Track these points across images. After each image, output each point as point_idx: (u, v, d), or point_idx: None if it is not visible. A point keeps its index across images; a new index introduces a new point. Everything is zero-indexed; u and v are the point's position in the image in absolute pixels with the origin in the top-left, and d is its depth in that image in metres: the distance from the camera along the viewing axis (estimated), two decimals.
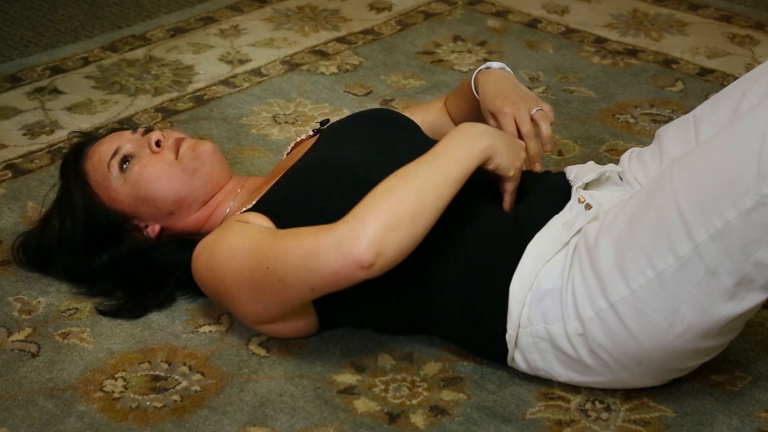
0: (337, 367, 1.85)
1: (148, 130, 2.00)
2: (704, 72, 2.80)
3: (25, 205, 2.25)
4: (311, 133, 2.09)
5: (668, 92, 2.71)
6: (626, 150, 2.00)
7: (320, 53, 2.88)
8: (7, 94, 2.67)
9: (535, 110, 1.90)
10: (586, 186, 1.86)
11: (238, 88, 2.70)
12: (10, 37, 2.98)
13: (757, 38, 2.98)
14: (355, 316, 1.89)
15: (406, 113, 2.13)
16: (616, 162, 2.09)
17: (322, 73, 2.78)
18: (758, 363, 1.87)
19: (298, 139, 2.11)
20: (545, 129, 1.89)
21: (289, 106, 2.64)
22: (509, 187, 1.82)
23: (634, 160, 1.95)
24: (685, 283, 1.64)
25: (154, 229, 1.97)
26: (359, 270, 1.67)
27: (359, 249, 1.66)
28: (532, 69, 2.81)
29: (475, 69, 2.02)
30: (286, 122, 2.57)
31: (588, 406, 1.78)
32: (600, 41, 2.97)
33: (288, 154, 2.11)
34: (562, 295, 1.73)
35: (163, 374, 1.83)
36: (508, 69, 2.01)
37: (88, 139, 2.04)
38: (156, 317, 1.95)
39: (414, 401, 1.79)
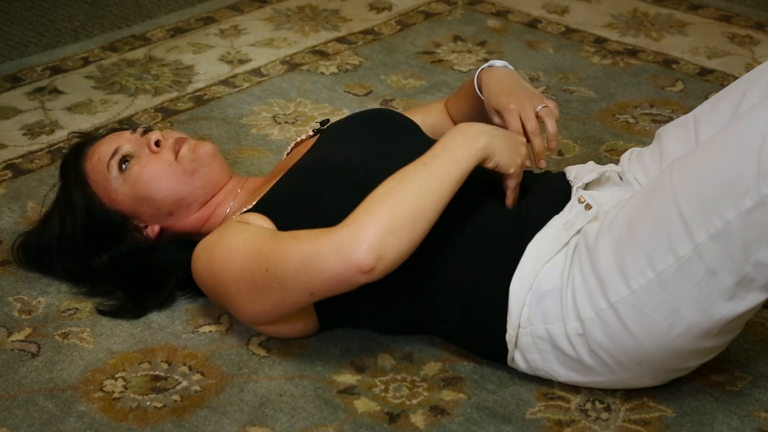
0: (337, 367, 1.85)
1: (148, 130, 2.00)
2: (704, 72, 2.80)
3: (25, 205, 2.25)
4: (311, 133, 2.09)
5: (668, 92, 2.71)
6: (626, 150, 2.00)
7: (320, 53, 2.88)
8: (7, 94, 2.67)
9: (540, 107, 1.90)
10: (586, 186, 1.86)
11: (238, 88, 2.70)
12: (10, 37, 2.98)
13: (757, 38, 2.98)
14: (355, 317, 1.89)
15: (407, 114, 2.13)
16: (616, 162, 2.09)
17: (322, 73, 2.78)
18: (758, 363, 1.87)
19: (298, 139, 2.11)
20: (551, 126, 1.89)
21: (289, 106, 2.64)
22: (511, 184, 1.82)
23: (634, 160, 1.95)
24: (685, 283, 1.64)
25: (153, 230, 1.97)
26: (359, 274, 1.67)
27: (359, 253, 1.66)
28: (532, 69, 2.81)
29: (476, 68, 2.02)
30: (286, 122, 2.57)
31: (588, 406, 1.78)
32: (600, 41, 2.97)
33: (288, 154, 2.11)
34: (562, 295, 1.73)
35: (163, 374, 1.83)
36: (510, 67, 2.01)
37: (87, 140, 2.04)
38: (156, 317, 1.95)
39: (414, 401, 1.79)
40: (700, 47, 2.93)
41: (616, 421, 1.76)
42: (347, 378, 1.83)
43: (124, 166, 1.95)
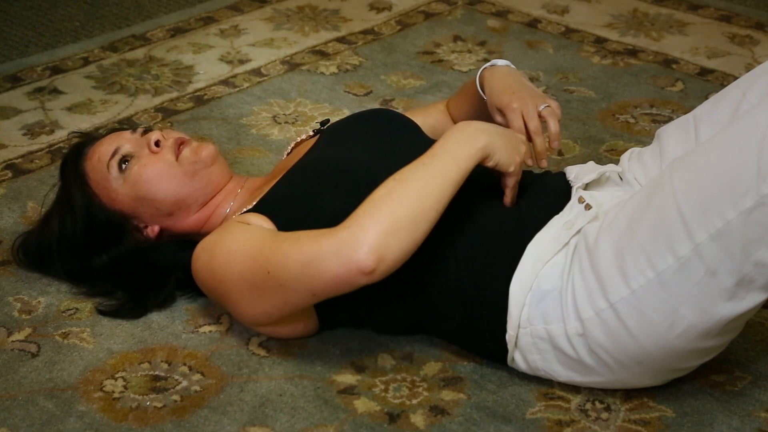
0: (337, 367, 1.85)
1: (148, 130, 2.00)
2: (704, 72, 2.80)
3: (25, 205, 2.25)
4: (311, 133, 2.09)
5: (668, 92, 2.71)
6: (626, 150, 2.00)
7: (320, 53, 2.88)
8: (7, 94, 2.67)
9: (542, 107, 1.90)
10: (586, 186, 1.86)
11: (238, 88, 2.70)
12: (10, 37, 2.98)
13: (757, 38, 2.98)
14: (355, 317, 1.89)
15: (407, 115, 2.13)
16: (616, 162, 2.09)
17: (322, 73, 2.78)
18: (758, 363, 1.87)
19: (298, 139, 2.11)
20: (553, 126, 1.89)
21: (289, 106, 2.64)
22: (510, 183, 1.82)
23: (634, 160, 1.94)
24: (685, 283, 1.64)
25: (153, 230, 1.97)
26: (361, 275, 1.67)
27: (360, 255, 1.66)
28: (532, 69, 2.81)
29: (476, 68, 2.02)
30: (286, 122, 2.57)
31: (588, 406, 1.78)
32: (600, 41, 2.97)
33: (288, 154, 2.11)
34: (562, 295, 1.73)
35: (163, 374, 1.83)
36: (512, 66, 2.01)
37: (87, 140, 2.04)
38: (156, 317, 1.95)
39: (414, 401, 1.79)
40: (700, 47, 2.93)
41: (616, 421, 1.76)
42: (347, 378, 1.83)
43: (124, 166, 1.95)
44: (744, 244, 1.61)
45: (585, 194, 1.82)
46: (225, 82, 2.73)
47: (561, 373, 1.78)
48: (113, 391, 1.79)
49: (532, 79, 2.75)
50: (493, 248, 1.79)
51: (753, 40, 2.97)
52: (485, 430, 1.73)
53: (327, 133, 2.04)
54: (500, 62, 2.00)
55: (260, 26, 3.03)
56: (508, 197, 1.83)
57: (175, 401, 1.78)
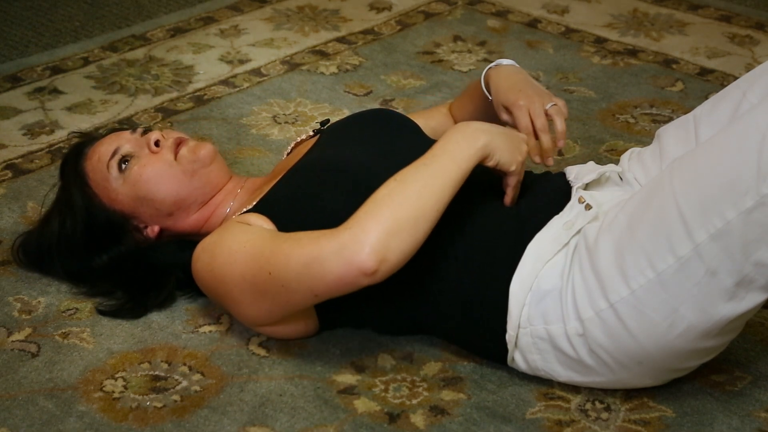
0: (337, 367, 1.85)
1: (148, 130, 2.00)
2: (704, 72, 2.80)
3: (25, 205, 2.25)
4: (311, 133, 2.09)
5: (668, 92, 2.71)
6: (626, 150, 2.00)
7: (320, 53, 2.88)
8: (7, 94, 2.67)
9: (549, 105, 1.90)
10: (587, 186, 1.86)
11: (238, 88, 2.70)
12: (10, 37, 2.98)
13: (757, 38, 2.98)
14: (355, 317, 1.89)
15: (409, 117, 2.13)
16: (616, 162, 2.09)
17: (322, 73, 2.78)
18: (758, 363, 1.87)
19: (299, 139, 2.11)
20: (560, 124, 1.89)
21: (289, 106, 2.64)
22: (511, 182, 1.82)
23: (634, 160, 1.94)
24: (685, 283, 1.64)
25: (153, 230, 1.97)
26: (362, 276, 1.67)
27: (362, 256, 1.66)
28: (532, 69, 2.81)
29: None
30: (286, 122, 2.57)
31: (588, 406, 1.78)
32: (600, 41, 2.97)
33: (288, 154, 2.11)
34: (562, 295, 1.73)
35: (163, 374, 1.83)
36: (517, 66, 2.01)
37: (87, 140, 2.04)
38: (156, 317, 1.95)
39: (414, 401, 1.79)
40: (700, 47, 2.93)
41: (616, 421, 1.76)
42: (347, 378, 1.83)
43: (123, 166, 1.95)
44: (744, 244, 1.61)
45: (585, 194, 1.82)
46: (225, 82, 2.73)
47: (561, 373, 1.78)
48: (113, 391, 1.79)
49: None
50: (493, 248, 1.79)
51: (753, 40, 2.97)
52: (485, 430, 1.73)
53: (327, 133, 2.04)
54: (505, 61, 2.00)
55: (260, 26, 3.03)
56: (509, 197, 1.83)
57: (175, 401, 1.78)
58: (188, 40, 2.94)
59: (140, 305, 1.95)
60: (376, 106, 2.63)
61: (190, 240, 1.96)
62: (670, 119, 2.52)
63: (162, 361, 1.86)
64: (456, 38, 2.97)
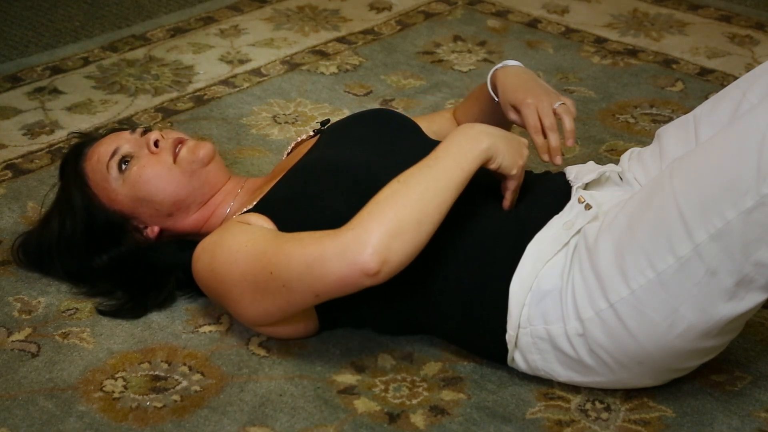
0: (337, 367, 1.85)
1: (147, 130, 2.00)
2: (704, 72, 2.80)
3: (25, 205, 2.25)
4: (311, 133, 2.09)
5: (668, 92, 2.71)
6: (626, 150, 2.00)
7: (320, 53, 2.88)
8: (7, 94, 2.67)
9: (557, 104, 1.89)
10: (586, 186, 1.86)
11: (238, 88, 2.70)
12: (10, 37, 2.98)
13: (757, 38, 2.98)
14: (356, 317, 1.89)
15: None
16: (616, 162, 2.09)
17: (322, 73, 2.78)
18: (758, 363, 1.87)
19: (299, 139, 2.11)
20: (568, 123, 1.89)
21: (289, 106, 2.64)
22: (511, 186, 1.82)
23: (634, 160, 1.94)
24: (685, 283, 1.64)
25: (153, 230, 1.97)
26: (365, 277, 1.67)
27: (364, 257, 1.66)
28: (532, 69, 2.79)
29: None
30: (286, 122, 2.57)
31: (588, 406, 1.78)
32: (600, 41, 2.97)
33: (288, 154, 2.11)
34: (562, 295, 1.73)
35: (163, 374, 1.83)
36: (524, 66, 2.01)
37: (87, 140, 2.04)
38: (156, 317, 1.95)
39: (414, 401, 1.79)
40: (700, 47, 2.93)
41: (616, 421, 1.76)
42: (347, 378, 1.83)
43: (123, 166, 1.95)
44: (744, 244, 1.61)
45: (585, 194, 1.82)
46: (225, 82, 2.73)
47: (561, 373, 1.78)
48: (113, 391, 1.79)
49: None
50: (493, 248, 1.79)
51: (753, 40, 2.97)
52: (485, 430, 1.73)
53: (327, 133, 2.04)
54: (511, 62, 2.00)
55: (260, 26, 3.03)
56: (508, 200, 1.83)
57: (175, 401, 1.78)
58: (188, 40, 2.94)
59: (140, 305, 1.95)
60: (376, 106, 2.63)
61: (190, 240, 1.96)
62: (670, 119, 2.52)
63: (162, 361, 1.86)
64: (456, 38, 2.97)
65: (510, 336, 1.77)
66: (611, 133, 2.54)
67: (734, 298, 1.64)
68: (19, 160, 2.40)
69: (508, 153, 1.78)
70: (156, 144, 1.96)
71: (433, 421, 1.75)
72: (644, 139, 2.50)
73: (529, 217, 1.82)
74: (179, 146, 1.96)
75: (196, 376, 1.83)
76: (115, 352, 1.88)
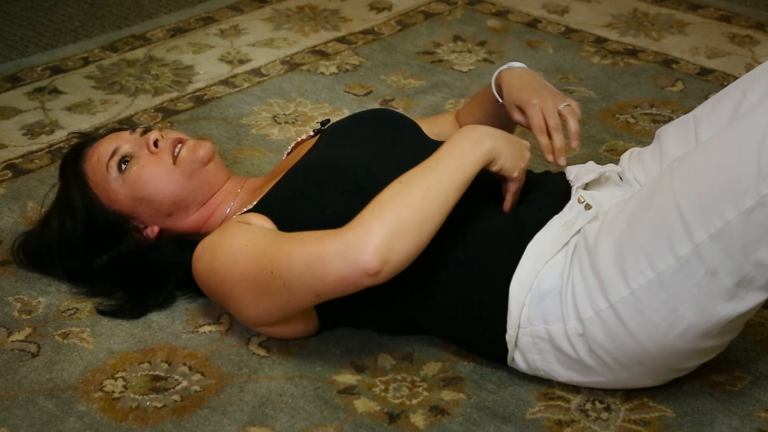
0: (337, 367, 1.85)
1: (147, 130, 2.00)
2: (704, 72, 2.80)
3: (25, 205, 2.25)
4: (311, 133, 2.09)
5: (668, 92, 2.71)
6: (626, 150, 2.00)
7: (320, 53, 2.88)
8: (7, 94, 2.67)
9: (563, 105, 1.90)
10: (586, 186, 1.86)
11: (238, 88, 2.70)
12: (10, 37, 2.98)
13: (757, 38, 2.98)
14: (356, 317, 1.89)
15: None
16: (616, 162, 2.09)
17: (322, 73, 2.78)
18: (758, 363, 1.87)
19: (299, 139, 2.11)
20: (573, 124, 1.89)
21: (289, 106, 2.64)
22: (512, 188, 1.82)
23: (634, 160, 1.95)
24: (685, 283, 1.64)
25: (153, 230, 1.97)
26: (365, 277, 1.67)
27: (365, 257, 1.66)
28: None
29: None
30: (286, 122, 2.57)
31: (588, 406, 1.78)
32: (600, 41, 2.97)
33: (288, 154, 2.11)
34: (562, 295, 1.73)
35: (163, 374, 1.83)
36: (528, 68, 2.01)
37: (87, 140, 2.04)
38: (156, 317, 1.95)
39: (414, 401, 1.79)
40: (700, 47, 2.93)
41: (616, 421, 1.76)
42: (347, 378, 1.83)
43: (123, 166, 1.95)
44: (744, 244, 1.61)
45: (585, 194, 1.82)
46: (225, 82, 2.73)
47: (561, 373, 1.78)
48: (113, 391, 1.79)
49: None
50: (493, 248, 1.79)
51: (753, 40, 2.97)
52: (485, 430, 1.73)
53: (327, 133, 2.04)
54: (516, 64, 2.00)
55: (260, 26, 3.03)
56: (508, 203, 1.83)
57: (175, 401, 1.78)
58: (188, 40, 2.94)
59: (140, 305, 1.95)
60: (376, 106, 2.63)
61: (190, 240, 1.96)
62: (670, 119, 2.52)
63: (162, 361, 1.86)
64: (456, 38, 2.97)
65: (510, 336, 1.77)
66: (611, 133, 2.54)
67: (734, 298, 1.64)
68: (19, 160, 2.40)
69: (511, 155, 1.78)
70: (156, 144, 1.96)
71: (433, 421, 1.75)
72: (644, 139, 2.49)
73: (529, 217, 1.82)
74: (179, 146, 1.96)
75: (196, 376, 1.83)
76: (115, 352, 1.88)
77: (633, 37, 2.98)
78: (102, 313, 1.95)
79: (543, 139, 1.87)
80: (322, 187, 1.84)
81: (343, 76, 2.77)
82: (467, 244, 1.80)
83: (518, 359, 1.80)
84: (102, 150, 1.97)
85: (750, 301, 1.65)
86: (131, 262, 1.95)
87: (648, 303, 1.66)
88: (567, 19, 3.09)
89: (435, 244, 1.76)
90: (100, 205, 1.96)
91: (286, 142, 2.46)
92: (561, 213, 1.81)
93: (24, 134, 2.50)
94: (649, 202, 1.69)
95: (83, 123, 2.54)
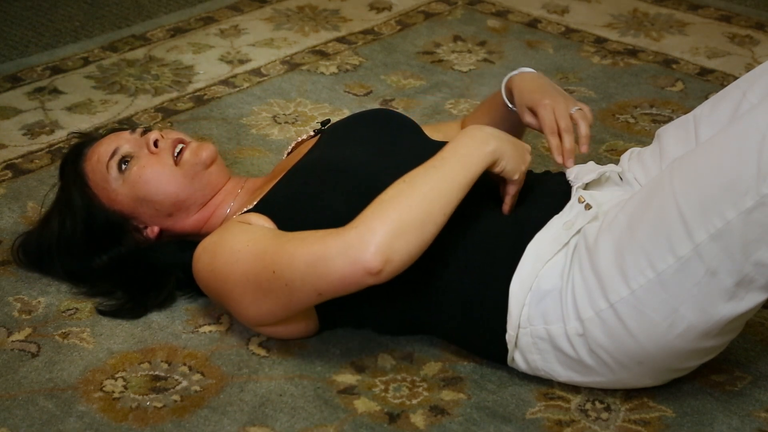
0: (337, 367, 1.85)
1: (147, 130, 2.00)
2: (704, 72, 2.80)
3: (25, 205, 2.25)
4: (312, 133, 2.09)
5: (668, 92, 2.71)
6: (626, 150, 2.00)
7: (320, 53, 2.88)
8: (7, 94, 2.67)
9: (574, 109, 1.90)
10: (586, 186, 1.86)
11: (238, 88, 2.70)
12: (10, 37, 2.98)
13: (757, 38, 2.98)
14: (356, 317, 1.89)
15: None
16: (616, 162, 2.09)
17: (322, 73, 2.78)
18: (758, 363, 1.87)
19: (299, 139, 2.11)
20: (584, 128, 1.89)
21: (289, 106, 2.64)
22: (512, 191, 1.82)
23: (634, 160, 1.95)
24: (685, 283, 1.64)
25: (153, 230, 1.97)
26: (367, 276, 1.67)
27: (367, 256, 1.66)
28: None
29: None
30: (286, 122, 2.57)
31: (588, 406, 1.78)
32: (600, 41, 2.97)
33: (288, 154, 2.12)
34: (562, 295, 1.73)
35: (163, 374, 1.83)
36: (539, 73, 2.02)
37: (87, 140, 2.04)
38: (156, 317, 1.95)
39: (414, 401, 1.79)
40: (700, 47, 2.93)
41: (616, 421, 1.76)
42: (347, 378, 1.83)
43: (123, 166, 1.95)
44: (744, 244, 1.61)
45: (585, 194, 1.82)
46: (225, 82, 2.73)
47: (561, 373, 1.78)
48: (113, 391, 1.79)
49: None
50: (493, 248, 1.79)
51: (753, 40, 2.97)
52: (485, 430, 1.73)
53: (327, 133, 2.04)
54: (527, 69, 2.01)
55: (260, 26, 3.03)
56: (508, 205, 1.83)
57: (175, 401, 1.78)
58: (188, 40, 2.94)
59: (140, 305, 1.95)
60: (376, 106, 2.63)
61: (190, 240, 1.96)
62: (670, 119, 2.52)
63: (162, 361, 1.86)
64: (456, 38, 2.97)
65: (510, 336, 1.77)
66: (611, 133, 2.54)
67: (734, 298, 1.64)
68: (19, 160, 2.40)
69: (513, 157, 1.78)
70: (156, 144, 1.96)
71: (433, 421, 1.75)
72: (644, 139, 2.50)
73: (529, 217, 1.82)
74: (181, 148, 1.96)
75: (196, 376, 1.83)
76: (115, 352, 1.88)
77: (633, 37, 2.98)
78: (102, 313, 1.95)
79: (554, 140, 1.87)
80: (322, 187, 1.84)
81: (343, 76, 2.77)
82: (467, 244, 1.80)
83: (518, 359, 1.80)
84: (102, 150, 1.97)
85: (750, 301, 1.65)
86: (131, 262, 1.95)
87: (648, 303, 1.66)
88: (567, 19, 3.09)
89: (435, 244, 1.76)
90: (100, 205, 1.96)
91: (286, 142, 2.46)
92: (561, 213, 1.81)
93: (24, 134, 2.50)
94: (649, 202, 1.69)
95: (83, 123, 2.54)
